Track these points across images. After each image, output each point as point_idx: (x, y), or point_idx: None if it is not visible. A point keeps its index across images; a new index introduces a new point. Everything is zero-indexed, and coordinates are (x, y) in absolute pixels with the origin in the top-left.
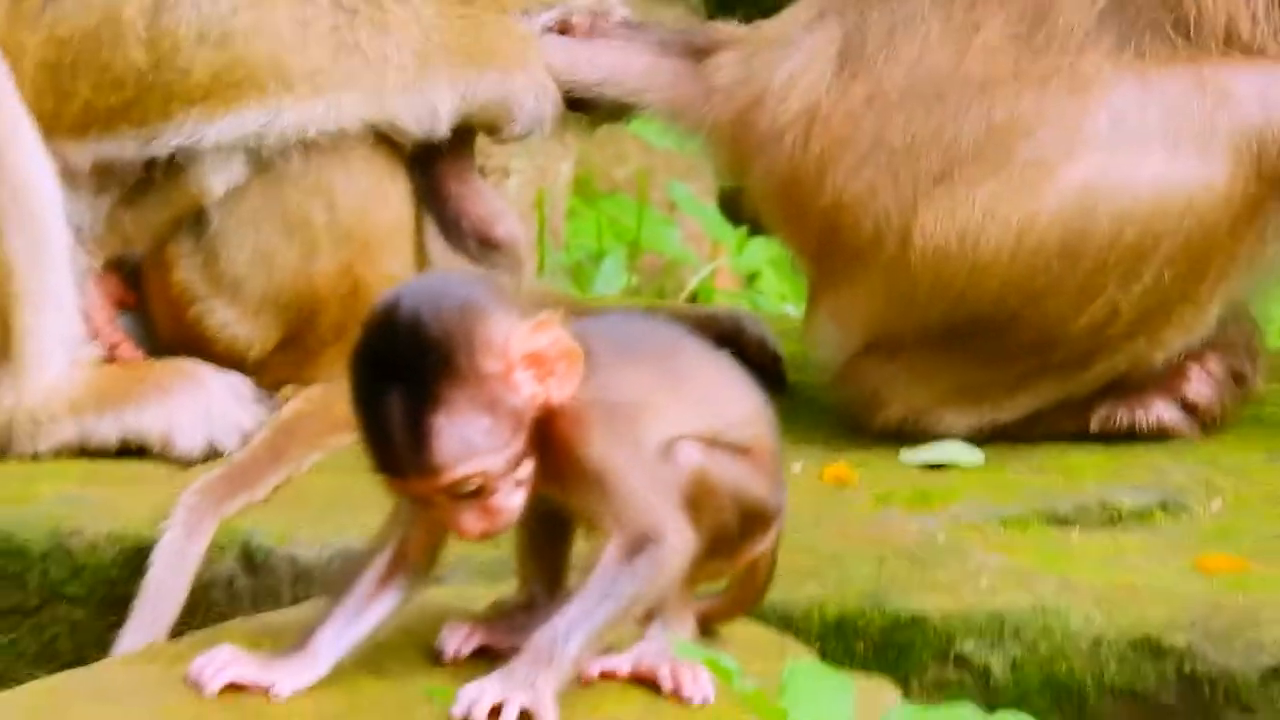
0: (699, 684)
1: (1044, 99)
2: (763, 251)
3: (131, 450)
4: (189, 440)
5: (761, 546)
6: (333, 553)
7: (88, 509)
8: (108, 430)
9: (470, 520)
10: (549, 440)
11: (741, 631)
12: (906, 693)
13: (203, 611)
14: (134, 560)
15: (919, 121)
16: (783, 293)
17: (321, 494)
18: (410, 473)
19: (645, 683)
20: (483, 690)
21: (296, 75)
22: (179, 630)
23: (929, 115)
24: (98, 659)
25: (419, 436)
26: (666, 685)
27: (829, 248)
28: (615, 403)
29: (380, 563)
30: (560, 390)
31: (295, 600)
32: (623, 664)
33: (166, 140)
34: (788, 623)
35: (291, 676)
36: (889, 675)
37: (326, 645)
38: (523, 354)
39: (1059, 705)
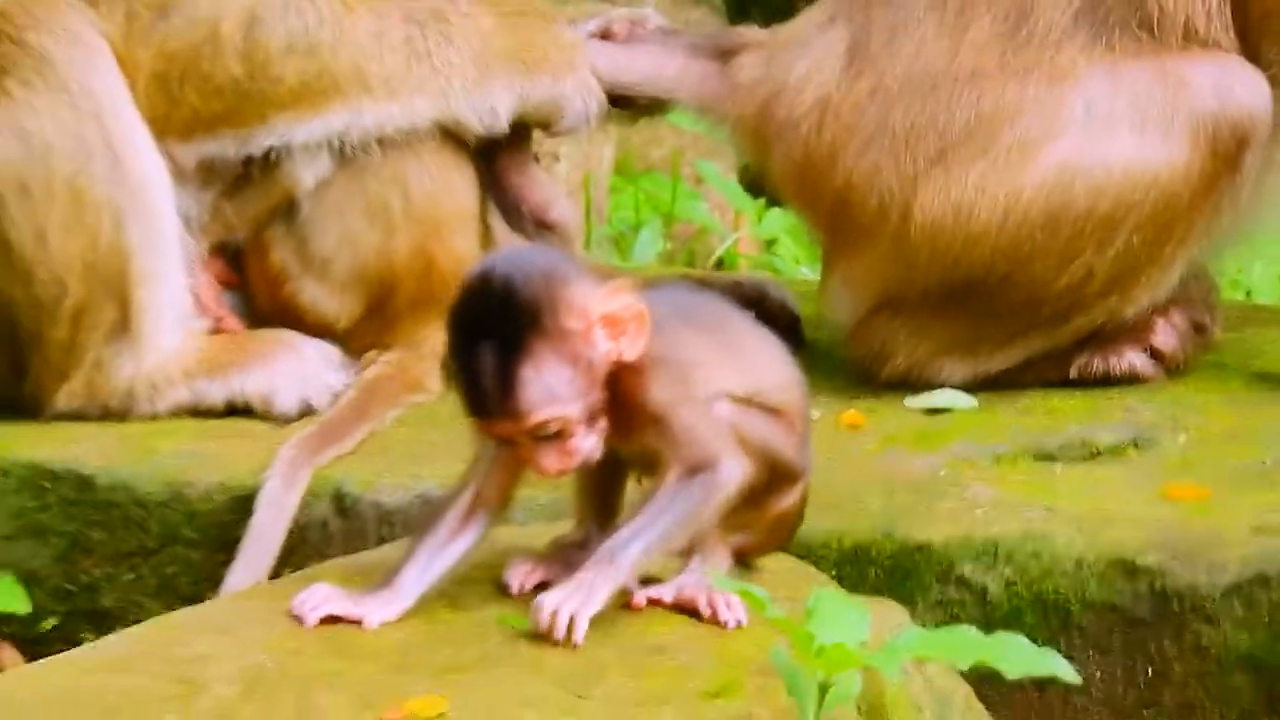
0: (733, 610)
1: (1026, 89)
2: (779, 221)
3: (237, 410)
4: (286, 400)
5: (787, 501)
6: (413, 497)
7: (200, 462)
8: (216, 393)
9: (549, 459)
10: (617, 392)
11: (770, 562)
12: (913, 612)
13: (300, 551)
14: (240, 507)
15: (916, 110)
16: (798, 257)
17: (401, 445)
18: (499, 416)
19: (686, 610)
20: (552, 600)
21: (374, 81)
22: (279, 567)
23: (925, 104)
24: (209, 593)
25: (509, 384)
26: (705, 612)
27: (840, 222)
28: (673, 359)
29: (460, 505)
30: (631, 348)
31: (380, 540)
32: (666, 593)
33: (261, 141)
34: (809, 551)
35: (380, 609)
36: (898, 596)
37: (412, 580)
38: (600, 315)
39: (1046, 620)
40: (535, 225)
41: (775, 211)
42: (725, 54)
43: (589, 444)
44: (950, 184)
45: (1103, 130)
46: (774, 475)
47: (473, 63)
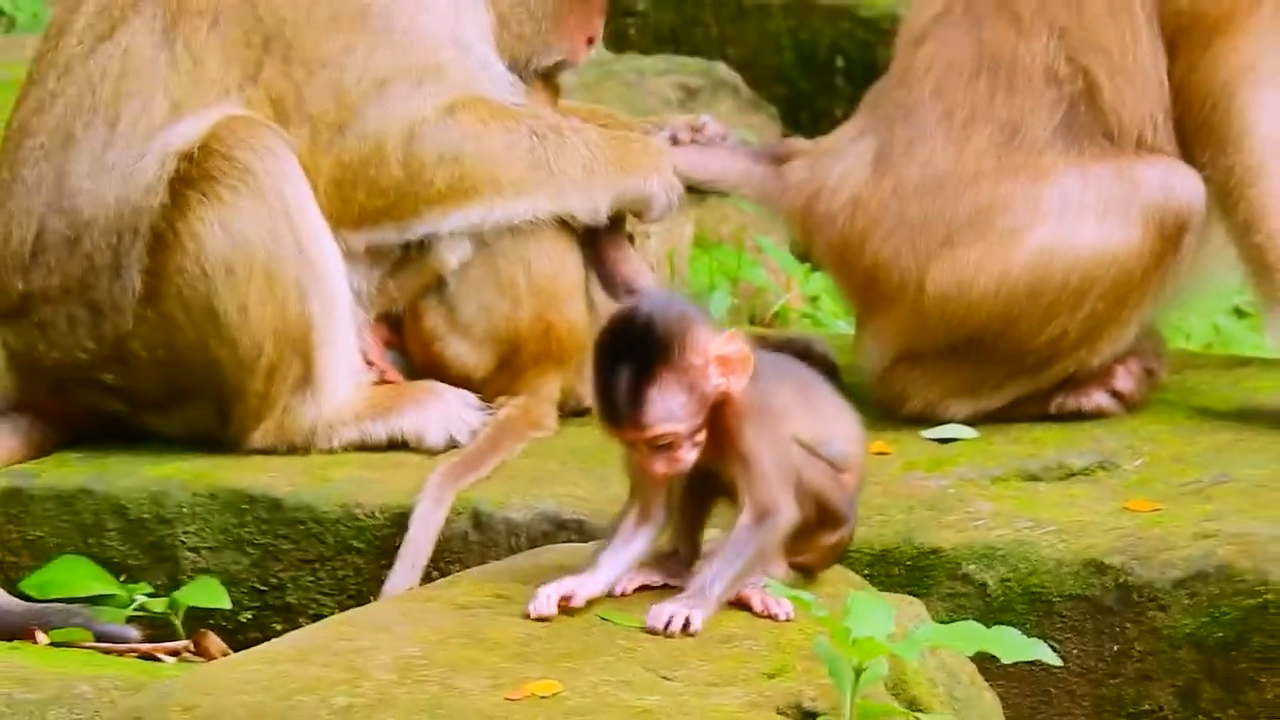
0: (781, 606)
1: (1015, 186)
2: (821, 282)
3: (396, 445)
4: (435, 437)
5: (832, 539)
6: (535, 514)
7: (366, 487)
8: (380, 432)
9: (659, 464)
10: (717, 423)
11: None
12: (928, 603)
13: (444, 558)
14: (398, 523)
15: (928, 205)
16: (836, 312)
17: (526, 473)
18: (627, 425)
19: (744, 606)
20: (666, 610)
21: (505, 183)
22: (429, 571)
23: (935, 200)
24: (373, 593)
25: (638, 401)
26: (758, 608)
27: (869, 293)
28: (766, 405)
29: (632, 514)
30: (737, 384)
31: (510, 549)
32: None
33: (416, 231)
34: (845, 554)
35: (585, 587)
36: (916, 590)
37: (607, 565)
38: (717, 355)
39: (1034, 608)
40: (627, 294)
41: (818, 275)
42: (779, 159)
43: (691, 456)
44: (955, 263)
45: (1074, 219)
46: (822, 517)
47: (582, 168)
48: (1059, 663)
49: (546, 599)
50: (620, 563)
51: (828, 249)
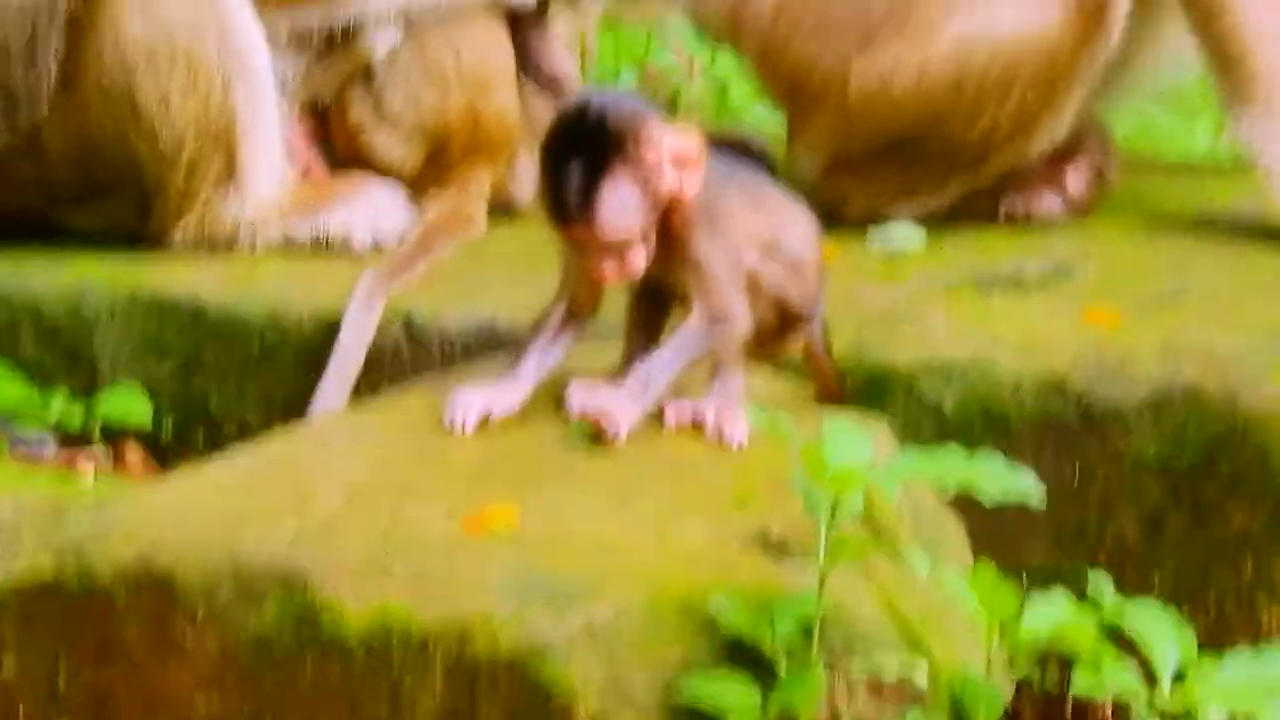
0: (735, 429)
1: None
2: (729, 65)
3: (321, 245)
4: (362, 237)
5: (796, 342)
6: (472, 323)
7: (293, 291)
8: (304, 230)
9: (610, 268)
10: (665, 230)
11: (773, 385)
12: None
13: (375, 369)
14: (327, 330)
15: (847, 3)
16: (749, 95)
17: (457, 278)
18: (579, 222)
19: (698, 427)
20: (598, 394)
21: None
22: (357, 383)
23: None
24: (301, 402)
25: (590, 197)
26: (710, 430)
27: (795, 97)
28: (715, 209)
29: (559, 311)
30: (690, 185)
31: (444, 360)
32: (684, 412)
33: (341, 13)
34: (798, 371)
35: (510, 398)
36: (869, 407)
37: (528, 373)
38: (672, 150)
39: (992, 431)
40: (550, 81)
41: (725, 57)
42: None
43: (640, 261)
44: (875, 61)
45: (990, 5)
46: (785, 319)
47: None
48: (1041, 505)
49: (464, 417)
50: (543, 368)
51: (754, 53)
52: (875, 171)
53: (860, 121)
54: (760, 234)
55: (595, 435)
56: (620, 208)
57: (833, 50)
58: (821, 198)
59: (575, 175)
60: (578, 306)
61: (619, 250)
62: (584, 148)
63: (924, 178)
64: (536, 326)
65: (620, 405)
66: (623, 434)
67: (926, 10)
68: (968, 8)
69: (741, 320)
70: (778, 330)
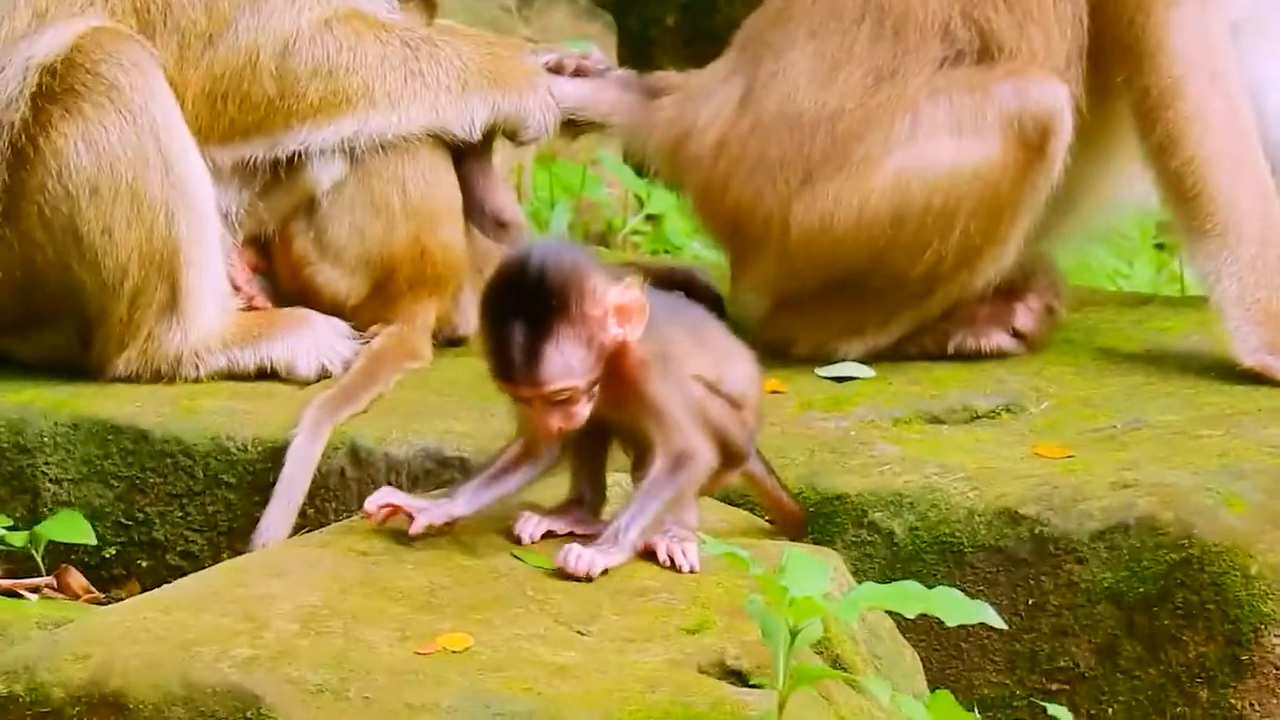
0: (688, 557)
1: (870, 114)
2: (665, 200)
3: (265, 374)
4: (306, 366)
5: (732, 477)
6: (416, 450)
7: (237, 419)
8: (249, 360)
9: (554, 420)
10: (613, 374)
11: (722, 514)
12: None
13: (321, 495)
14: (272, 457)
15: (787, 142)
16: (685, 230)
17: (404, 406)
18: (522, 382)
19: (650, 555)
20: (577, 550)
21: (379, 95)
22: (305, 508)
23: (793, 136)
24: (246, 529)
25: (533, 357)
26: (662, 558)
27: (737, 240)
28: (664, 350)
29: (512, 451)
30: (634, 333)
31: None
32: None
33: (287, 146)
34: (745, 499)
35: (434, 510)
36: (821, 537)
37: (468, 495)
38: (615, 305)
39: (944, 559)
40: (494, 223)
41: (659, 192)
42: (652, 92)
43: (585, 411)
44: (816, 199)
45: (928, 138)
46: (725, 454)
47: (456, 79)
48: (1004, 626)
49: (376, 504)
50: (483, 496)
51: (695, 193)
52: (821, 311)
53: (802, 262)
54: (705, 372)
55: (558, 572)
56: (564, 367)
57: (773, 190)
58: (768, 337)
59: (517, 335)
60: (533, 446)
61: (563, 404)
62: (525, 306)
63: (870, 316)
64: (487, 462)
65: (593, 555)
66: (595, 573)
67: (865, 147)
68: (907, 142)
69: (704, 454)
70: (718, 466)
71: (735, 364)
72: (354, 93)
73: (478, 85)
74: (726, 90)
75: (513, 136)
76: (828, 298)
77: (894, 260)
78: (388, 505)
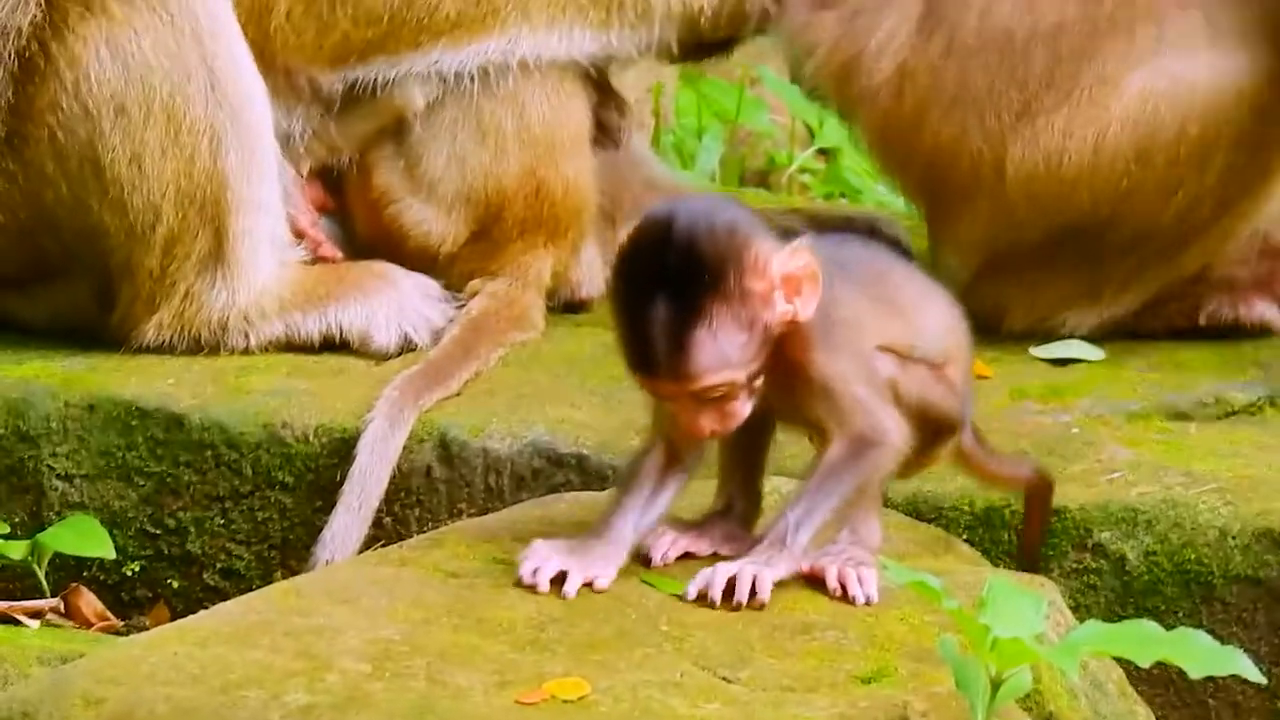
0: (864, 585)
1: (1099, 26)
2: (841, 130)
3: (333, 345)
4: (385, 336)
5: (945, 449)
6: (522, 445)
7: (297, 402)
8: (312, 327)
9: (706, 421)
10: (777, 353)
11: (908, 530)
12: (1047, 578)
13: (400, 500)
14: (340, 450)
15: (995, 66)
16: (867, 169)
17: (509, 388)
18: (665, 375)
19: (816, 580)
20: (727, 570)
21: (535, 8)
22: (380, 517)
23: (1003, 59)
24: (304, 541)
25: (680, 345)
26: (832, 584)
27: (935, 187)
28: (836, 320)
29: (656, 457)
30: (806, 308)
31: (487, 489)
32: (805, 562)
33: (414, 69)
34: (939, 513)
35: (605, 566)
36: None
37: (627, 533)
38: (782, 275)
39: (1189, 592)
40: (611, 146)
41: (834, 121)
42: None
43: (746, 408)
44: (1038, 134)
45: (1178, 53)
46: (932, 428)
47: None
48: (1262, 680)
49: (538, 574)
50: (641, 526)
51: (874, 134)
52: (1042, 274)
53: (1022, 212)
54: (894, 337)
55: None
56: (720, 357)
57: (981, 127)
58: (974, 308)
59: (660, 317)
60: (676, 450)
61: (719, 401)
62: (670, 281)
63: (1105, 278)
64: (630, 475)
65: (755, 569)
66: (765, 596)
67: (1098, 66)
68: (1152, 58)
69: (896, 434)
70: (924, 442)
71: (929, 313)
72: (502, 3)
73: None
74: (902, 3)
75: (728, 44)
76: (1052, 256)
77: (1138, 204)
78: (555, 571)
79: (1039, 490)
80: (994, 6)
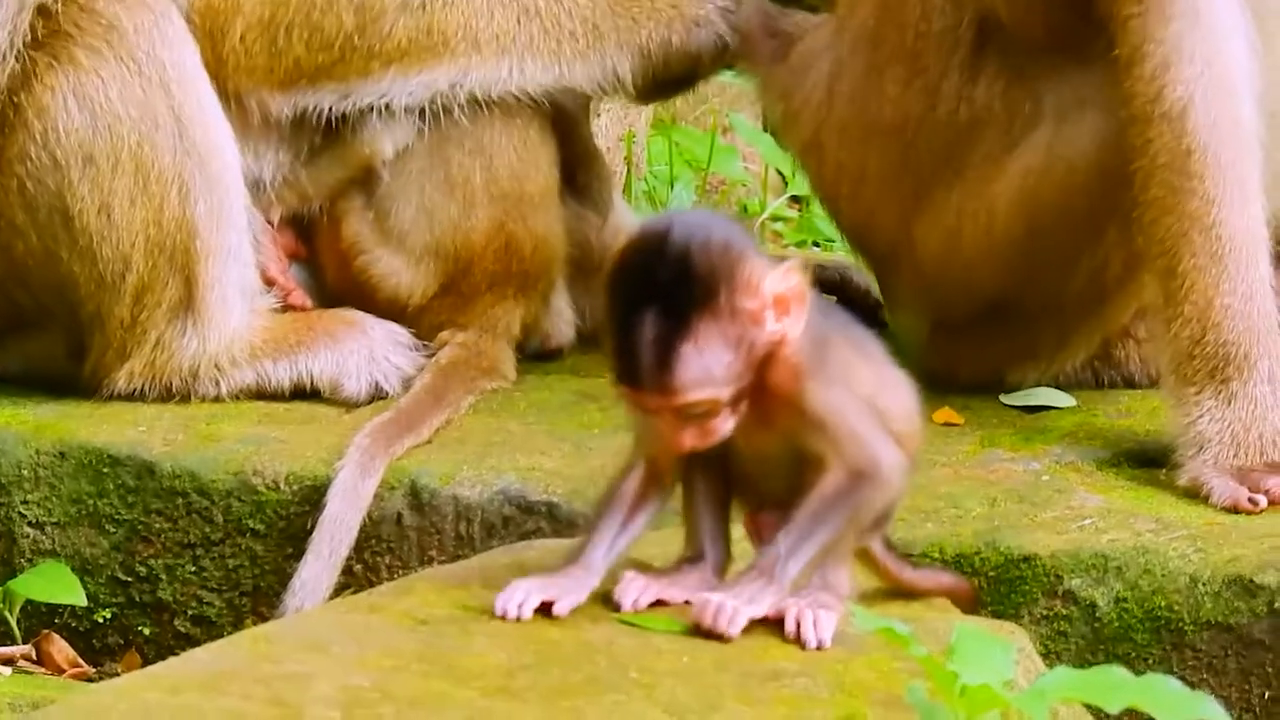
0: (819, 629)
1: (977, 108)
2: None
3: (303, 393)
4: (355, 384)
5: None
6: (493, 493)
7: (267, 449)
8: (283, 375)
9: (688, 436)
10: (763, 382)
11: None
12: (1017, 625)
13: (371, 547)
14: (310, 497)
15: (890, 150)
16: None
17: (479, 435)
18: (650, 389)
19: (776, 621)
20: (715, 601)
21: (484, 38)
22: (350, 564)
23: (892, 144)
24: (275, 588)
25: (667, 359)
26: (789, 627)
27: (865, 255)
28: (830, 356)
29: (633, 482)
30: (795, 328)
31: (458, 537)
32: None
33: (363, 96)
34: (909, 559)
35: (571, 593)
36: (1002, 609)
37: (601, 552)
38: (774, 294)
39: (1159, 638)
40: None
41: None
42: (784, 38)
43: (728, 426)
44: (937, 214)
45: (1056, 127)
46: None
47: (582, 22)
48: None
49: (518, 603)
50: (616, 552)
51: (817, 192)
52: (982, 334)
53: (941, 287)
54: (871, 396)
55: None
56: (705, 372)
57: (885, 208)
58: (931, 363)
59: (649, 329)
60: (656, 473)
61: (702, 417)
62: (661, 293)
63: (1038, 339)
64: (606, 500)
65: (739, 601)
66: (735, 631)
67: (983, 147)
68: (1031, 134)
69: (895, 468)
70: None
71: (897, 395)
72: (452, 33)
73: (611, 26)
74: (820, 67)
75: (686, 79)
76: (985, 319)
77: (1044, 274)
78: (536, 605)
79: (960, 604)
80: (872, 96)
